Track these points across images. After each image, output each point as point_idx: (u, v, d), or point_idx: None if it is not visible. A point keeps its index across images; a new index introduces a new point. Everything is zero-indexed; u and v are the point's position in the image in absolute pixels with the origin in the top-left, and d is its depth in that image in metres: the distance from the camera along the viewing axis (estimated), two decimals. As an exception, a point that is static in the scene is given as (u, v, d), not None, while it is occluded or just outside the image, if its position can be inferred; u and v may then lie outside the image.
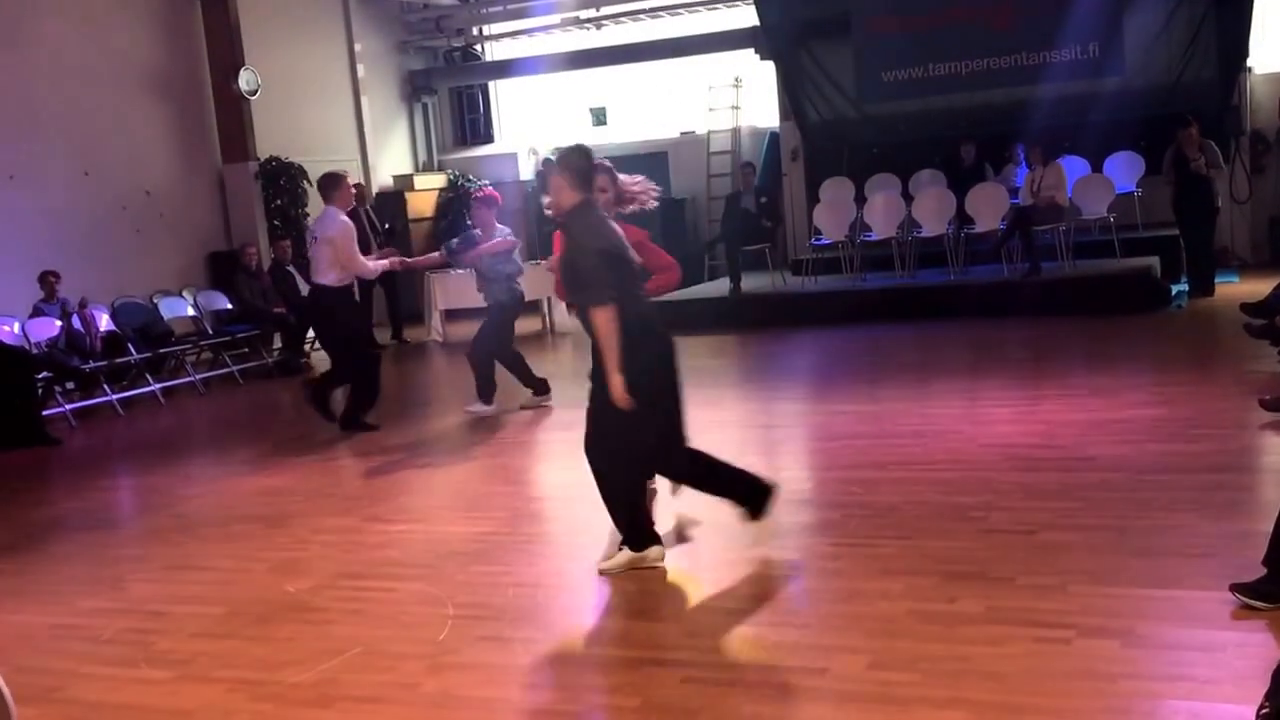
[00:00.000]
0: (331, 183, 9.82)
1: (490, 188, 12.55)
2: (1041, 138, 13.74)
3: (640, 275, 5.67)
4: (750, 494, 5.75)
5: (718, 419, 6.98)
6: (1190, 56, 14.42)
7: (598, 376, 5.46)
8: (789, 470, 8.03)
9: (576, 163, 5.54)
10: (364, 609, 5.56)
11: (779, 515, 6.50)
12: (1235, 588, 4.53)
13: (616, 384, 5.27)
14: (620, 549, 5.70)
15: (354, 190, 10.63)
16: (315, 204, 15.98)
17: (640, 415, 5.38)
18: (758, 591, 5.42)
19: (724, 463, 5.77)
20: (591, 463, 5.69)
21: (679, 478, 6.07)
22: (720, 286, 14.73)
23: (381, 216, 16.28)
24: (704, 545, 6.15)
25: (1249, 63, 14.74)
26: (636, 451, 5.56)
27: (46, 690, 4.83)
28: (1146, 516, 5.74)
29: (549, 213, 5.84)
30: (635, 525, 5.70)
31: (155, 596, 6.05)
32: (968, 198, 13.92)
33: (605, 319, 5.28)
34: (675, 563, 5.89)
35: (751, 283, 14.53)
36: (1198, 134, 12.55)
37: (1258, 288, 10.73)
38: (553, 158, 5.66)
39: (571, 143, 5.82)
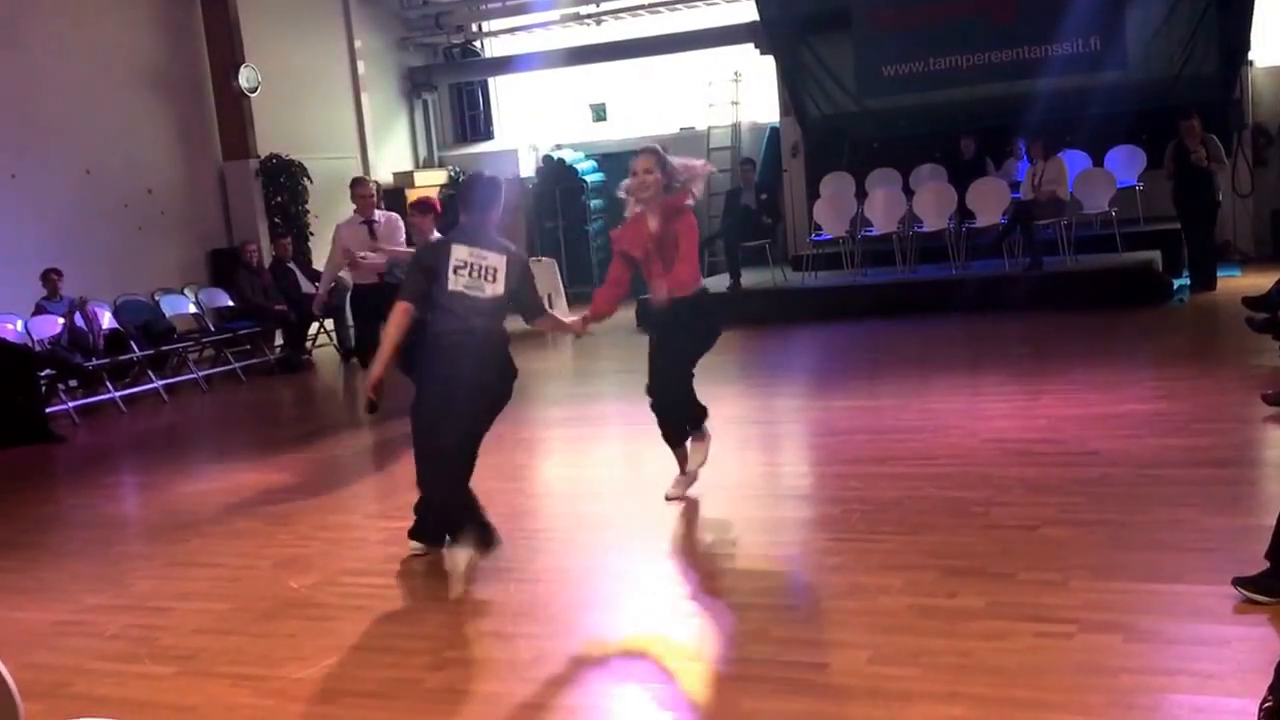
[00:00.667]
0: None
1: (433, 194, 11.83)
2: (1042, 132, 13.67)
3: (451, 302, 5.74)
4: (480, 534, 5.75)
5: (717, 415, 6.95)
6: (1192, 50, 14.35)
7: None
8: (789, 465, 8.06)
9: (464, 190, 6.11)
10: (366, 605, 5.57)
11: (780, 510, 6.52)
12: (1238, 582, 4.52)
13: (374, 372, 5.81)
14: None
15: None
16: (315, 202, 16.11)
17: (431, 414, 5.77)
18: (758, 586, 5.42)
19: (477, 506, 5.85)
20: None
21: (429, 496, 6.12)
22: (719, 282, 14.69)
23: None
24: (703, 541, 6.16)
25: (1251, 56, 14.66)
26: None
27: (53, 685, 4.84)
28: (1148, 511, 5.74)
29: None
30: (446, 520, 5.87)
31: (159, 593, 6.07)
32: (968, 192, 13.89)
33: (395, 312, 5.78)
34: (675, 561, 5.90)
35: (752, 278, 14.49)
36: (1199, 126, 12.51)
37: (1259, 282, 10.72)
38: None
39: (477, 172, 6.47)
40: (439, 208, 9.62)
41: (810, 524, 6.27)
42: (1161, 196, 13.54)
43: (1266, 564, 4.50)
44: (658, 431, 6.64)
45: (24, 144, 13.39)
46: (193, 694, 4.68)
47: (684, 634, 4.89)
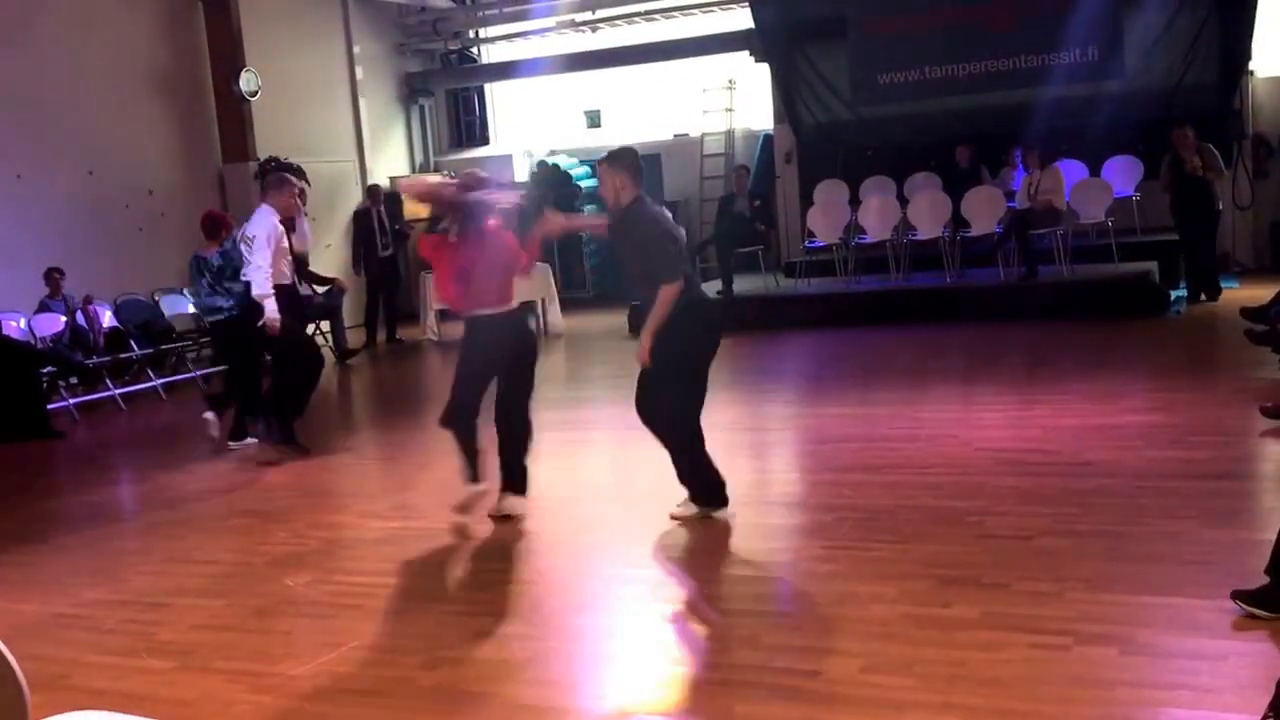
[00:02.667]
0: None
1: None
2: (1039, 141, 13.61)
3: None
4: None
5: (709, 421, 6.94)
6: (1191, 60, 14.31)
7: (657, 345, 6.13)
8: (781, 473, 8.04)
9: (632, 162, 6.45)
10: (362, 604, 5.58)
11: (772, 517, 6.52)
12: (1237, 595, 4.49)
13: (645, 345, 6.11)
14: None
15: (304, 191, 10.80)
16: (313, 205, 16.06)
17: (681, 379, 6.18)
18: (750, 592, 5.43)
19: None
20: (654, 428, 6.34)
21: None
22: (711, 289, 14.64)
23: (391, 219, 16.26)
24: (695, 547, 6.15)
25: (1251, 66, 14.57)
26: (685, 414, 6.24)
27: (53, 678, 4.85)
28: (1145, 523, 5.71)
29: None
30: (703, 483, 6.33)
31: (156, 588, 6.08)
32: (964, 201, 13.78)
33: (670, 292, 6.03)
34: (667, 566, 5.90)
35: (744, 285, 14.44)
36: (1194, 136, 12.46)
37: (1258, 294, 10.67)
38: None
39: (622, 146, 6.72)
40: (223, 218, 9.69)
41: (802, 531, 6.26)
42: (1158, 208, 13.50)
43: (1266, 579, 4.46)
44: (648, 436, 6.62)
45: (29, 145, 13.50)
46: (190, 689, 4.69)
47: (676, 639, 4.89)
